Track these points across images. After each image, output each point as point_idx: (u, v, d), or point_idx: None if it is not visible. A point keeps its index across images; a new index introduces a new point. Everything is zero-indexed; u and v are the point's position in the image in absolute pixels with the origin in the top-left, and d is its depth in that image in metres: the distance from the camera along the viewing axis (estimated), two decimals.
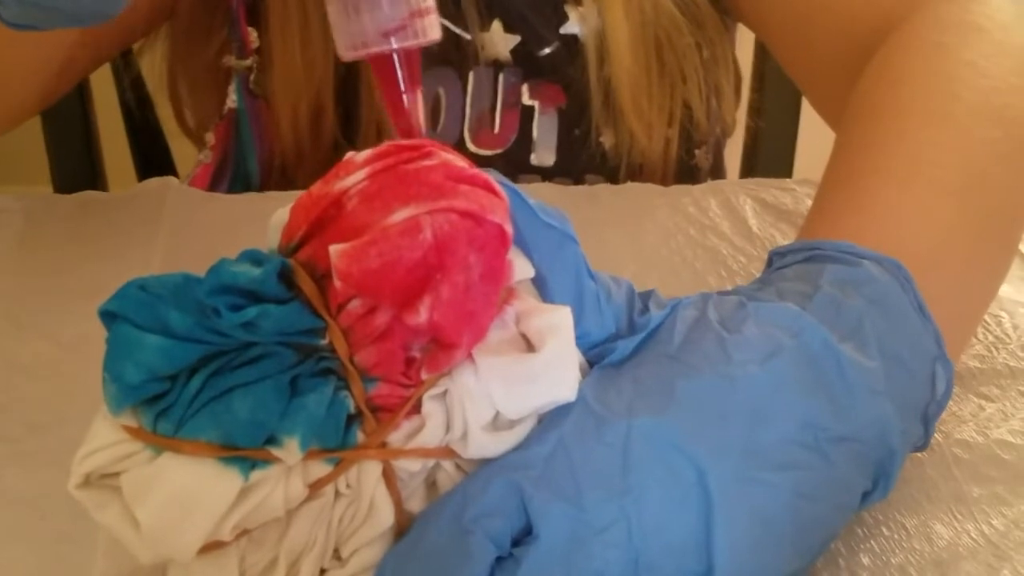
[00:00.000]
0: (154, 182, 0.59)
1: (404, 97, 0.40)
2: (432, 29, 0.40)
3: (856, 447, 0.33)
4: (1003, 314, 0.49)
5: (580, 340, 0.33)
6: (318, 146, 0.64)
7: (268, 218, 0.33)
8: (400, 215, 0.29)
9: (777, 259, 0.40)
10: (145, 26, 0.68)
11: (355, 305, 0.30)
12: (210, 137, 0.71)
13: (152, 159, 0.86)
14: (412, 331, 0.30)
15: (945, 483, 0.40)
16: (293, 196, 0.32)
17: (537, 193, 0.59)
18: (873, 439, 0.33)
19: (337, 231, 0.30)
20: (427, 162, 0.31)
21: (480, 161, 0.62)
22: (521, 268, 0.32)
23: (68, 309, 0.49)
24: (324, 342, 0.30)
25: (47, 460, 0.41)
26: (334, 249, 0.29)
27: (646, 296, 0.35)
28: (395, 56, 0.39)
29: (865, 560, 0.36)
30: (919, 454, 0.41)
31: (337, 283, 0.29)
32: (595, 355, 0.34)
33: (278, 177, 0.66)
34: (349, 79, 0.63)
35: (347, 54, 0.40)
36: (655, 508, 0.29)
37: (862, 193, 0.42)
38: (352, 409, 0.30)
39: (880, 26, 0.52)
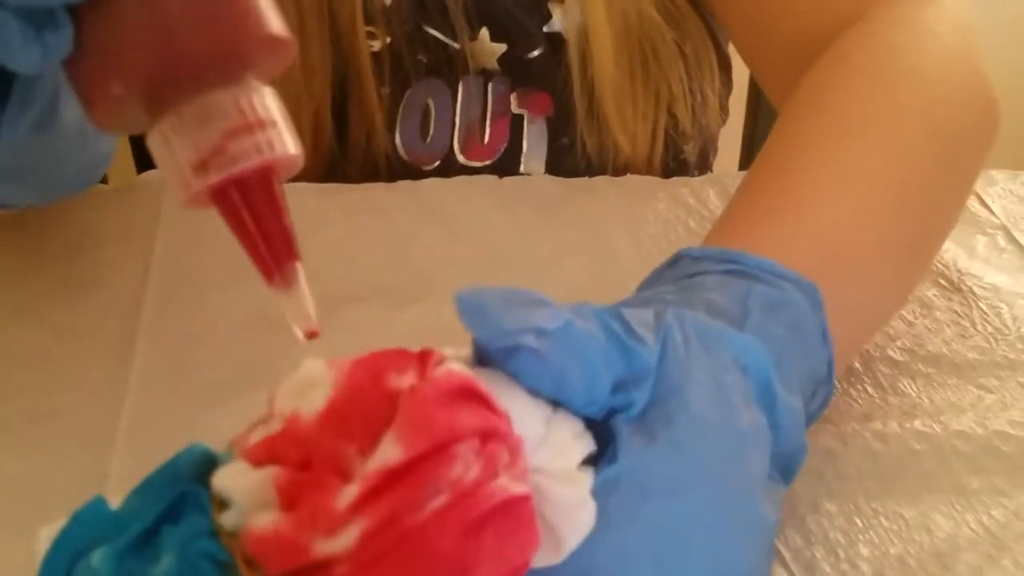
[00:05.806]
0: (153, 174, 0.59)
1: (258, 229, 0.31)
2: (278, 144, 0.30)
3: (771, 483, 0.32)
4: (1002, 305, 0.49)
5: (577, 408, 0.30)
6: (315, 160, 0.63)
7: None
8: None
9: (689, 263, 0.38)
10: None
11: None
12: None
13: (150, 152, 0.86)
14: None
15: (944, 474, 0.40)
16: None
17: (537, 184, 0.60)
18: (782, 474, 0.33)
19: None
20: (435, 503, 0.24)
21: (469, 173, 0.63)
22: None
23: (67, 300, 0.49)
24: None
25: (43, 450, 0.41)
26: None
27: (617, 315, 0.31)
28: (231, 187, 0.30)
29: (864, 551, 0.36)
30: (917, 445, 0.41)
31: None
32: (598, 412, 0.30)
33: None
34: (343, 85, 0.63)
35: (182, 196, 0.31)
36: None
37: (795, 191, 0.41)
38: None
39: (836, 23, 0.51)
